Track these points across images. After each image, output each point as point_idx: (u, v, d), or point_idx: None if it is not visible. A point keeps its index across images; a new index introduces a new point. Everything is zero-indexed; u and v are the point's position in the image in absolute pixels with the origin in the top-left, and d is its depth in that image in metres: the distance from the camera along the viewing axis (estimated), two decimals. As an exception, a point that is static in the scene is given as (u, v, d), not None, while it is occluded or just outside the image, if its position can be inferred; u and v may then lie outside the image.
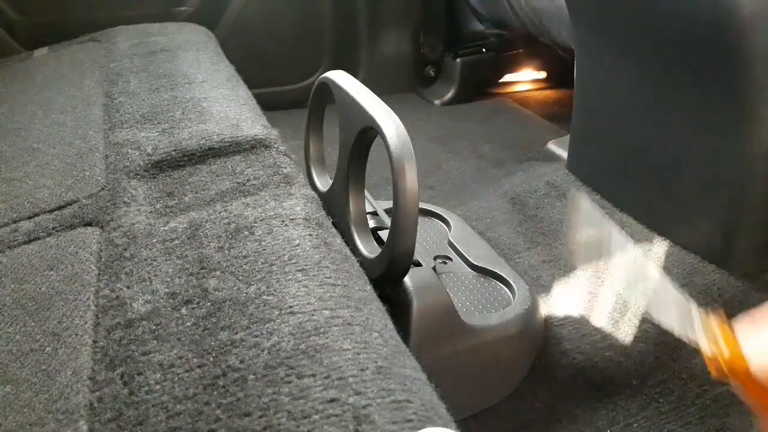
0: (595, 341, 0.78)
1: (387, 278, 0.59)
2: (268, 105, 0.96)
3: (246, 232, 0.54)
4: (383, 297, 0.53)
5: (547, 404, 0.73)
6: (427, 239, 0.88)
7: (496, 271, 0.80)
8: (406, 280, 0.64)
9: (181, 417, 0.37)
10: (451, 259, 0.83)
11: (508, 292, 0.77)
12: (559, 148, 1.26)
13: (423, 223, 0.92)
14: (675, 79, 0.83)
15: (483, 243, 0.87)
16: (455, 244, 0.86)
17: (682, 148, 0.85)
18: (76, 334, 0.45)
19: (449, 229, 0.90)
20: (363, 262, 0.59)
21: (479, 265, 0.81)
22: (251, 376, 0.39)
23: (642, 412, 0.71)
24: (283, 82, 1.64)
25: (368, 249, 0.62)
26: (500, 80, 1.80)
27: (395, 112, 0.58)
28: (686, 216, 0.87)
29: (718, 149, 0.79)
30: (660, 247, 0.88)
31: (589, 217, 0.94)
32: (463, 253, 0.83)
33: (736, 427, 0.69)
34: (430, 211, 0.95)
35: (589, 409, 0.72)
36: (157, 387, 0.39)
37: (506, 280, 0.78)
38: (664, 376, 0.74)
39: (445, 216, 0.93)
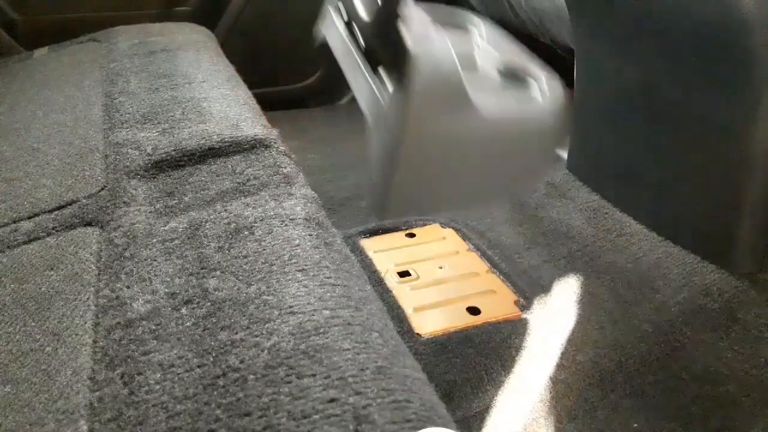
0: (595, 341, 0.78)
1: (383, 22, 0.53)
2: (268, 105, 0.96)
3: (246, 232, 0.54)
4: (377, 62, 0.48)
5: (547, 404, 0.73)
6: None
7: (525, 67, 0.68)
8: (405, 32, 0.55)
9: (181, 417, 0.37)
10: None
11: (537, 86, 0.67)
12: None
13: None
14: (675, 78, 0.83)
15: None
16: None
17: (682, 148, 0.85)
18: (76, 334, 0.45)
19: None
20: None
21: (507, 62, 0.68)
22: (251, 376, 0.39)
23: (642, 412, 0.71)
24: (283, 82, 1.64)
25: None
26: (500, 80, 1.80)
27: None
28: (686, 216, 0.87)
29: (719, 149, 0.79)
30: (660, 246, 0.88)
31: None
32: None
33: (736, 427, 0.69)
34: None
35: (589, 409, 0.72)
36: (157, 387, 0.39)
37: (536, 75, 0.67)
38: (664, 376, 0.74)
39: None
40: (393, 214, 0.42)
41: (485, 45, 0.73)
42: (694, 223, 0.86)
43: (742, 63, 0.72)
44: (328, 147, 1.41)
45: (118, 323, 0.46)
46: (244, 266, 0.50)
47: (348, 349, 0.41)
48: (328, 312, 0.44)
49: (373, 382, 0.38)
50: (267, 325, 0.43)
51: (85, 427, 0.38)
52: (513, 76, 0.68)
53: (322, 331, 0.42)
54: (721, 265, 0.82)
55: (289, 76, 1.64)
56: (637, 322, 0.78)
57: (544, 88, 0.67)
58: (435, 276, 0.92)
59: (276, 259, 0.50)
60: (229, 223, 0.56)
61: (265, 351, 0.41)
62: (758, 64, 0.70)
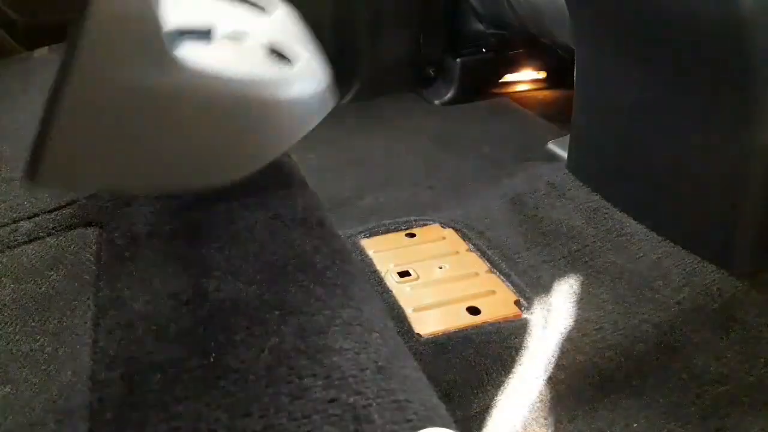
0: (595, 341, 0.78)
1: None
2: (268, 105, 0.96)
3: (246, 233, 0.54)
4: None
5: (547, 404, 0.73)
6: None
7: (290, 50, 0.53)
8: None
9: (182, 417, 0.37)
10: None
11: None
12: (559, 148, 1.26)
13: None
14: (675, 78, 0.83)
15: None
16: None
17: (682, 147, 0.85)
18: (76, 334, 0.45)
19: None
20: None
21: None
22: (251, 377, 0.39)
23: (642, 412, 0.71)
24: (283, 82, 1.63)
25: None
26: (500, 80, 1.80)
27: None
28: (686, 216, 0.87)
29: (719, 149, 0.79)
30: (660, 246, 0.88)
31: None
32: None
33: (736, 427, 0.69)
34: None
35: (589, 409, 0.72)
36: (158, 387, 0.39)
37: (300, 55, 0.54)
38: (664, 376, 0.74)
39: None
40: (45, 180, 0.30)
41: (266, 22, 0.60)
42: (694, 223, 0.86)
43: (744, 61, 0.72)
44: (328, 147, 1.41)
45: (118, 323, 0.46)
46: (244, 266, 0.50)
47: (348, 349, 0.41)
48: (328, 312, 0.44)
49: (373, 382, 0.39)
50: (267, 326, 0.43)
51: (85, 427, 0.38)
52: (280, 56, 0.54)
53: (322, 331, 0.42)
54: (721, 265, 0.82)
55: (288, 76, 1.64)
56: (637, 322, 0.78)
57: (303, 69, 0.54)
58: (435, 276, 0.92)
59: (276, 260, 0.50)
60: (229, 224, 0.56)
61: (265, 351, 0.41)
62: (758, 65, 0.70)
